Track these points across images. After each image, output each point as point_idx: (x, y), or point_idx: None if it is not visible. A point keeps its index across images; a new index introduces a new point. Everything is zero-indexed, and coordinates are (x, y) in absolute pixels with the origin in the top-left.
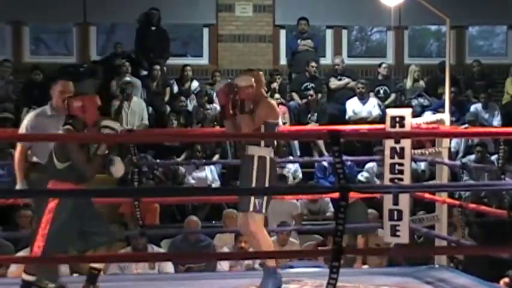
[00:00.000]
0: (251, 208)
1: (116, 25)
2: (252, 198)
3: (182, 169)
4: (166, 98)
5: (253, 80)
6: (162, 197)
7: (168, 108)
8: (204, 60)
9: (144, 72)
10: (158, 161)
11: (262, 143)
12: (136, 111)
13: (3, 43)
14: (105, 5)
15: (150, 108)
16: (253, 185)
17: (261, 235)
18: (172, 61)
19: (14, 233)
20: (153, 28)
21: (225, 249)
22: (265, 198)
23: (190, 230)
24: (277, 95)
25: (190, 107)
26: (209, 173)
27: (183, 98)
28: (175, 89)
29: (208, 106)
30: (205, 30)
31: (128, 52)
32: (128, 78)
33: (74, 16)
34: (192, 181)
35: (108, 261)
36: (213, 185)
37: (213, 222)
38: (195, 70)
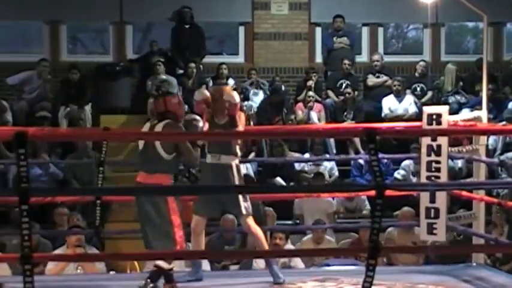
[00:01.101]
0: (244, 211)
1: (152, 23)
2: (242, 202)
3: None
4: None
5: (208, 94)
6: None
7: None
8: (239, 59)
9: (180, 71)
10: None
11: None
12: None
13: (40, 42)
14: (142, 4)
15: (186, 106)
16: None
17: (260, 233)
18: (208, 59)
19: (51, 231)
20: (187, 26)
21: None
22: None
23: (226, 228)
24: (311, 93)
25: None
26: (245, 171)
27: None
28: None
29: (243, 104)
30: (241, 29)
31: (163, 50)
32: (163, 77)
33: (111, 15)
34: None
35: (147, 259)
36: None
37: None
38: (231, 68)
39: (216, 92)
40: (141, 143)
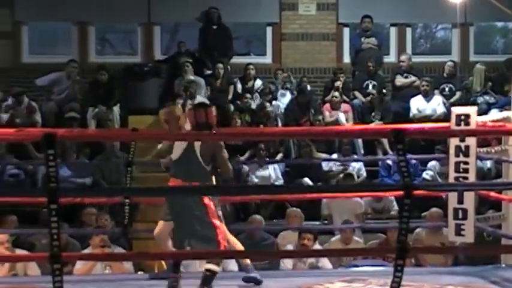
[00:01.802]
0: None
1: (179, 24)
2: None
3: (246, 167)
4: (230, 97)
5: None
6: (226, 196)
7: (232, 107)
8: (267, 59)
9: (208, 71)
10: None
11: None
12: None
13: (69, 43)
14: (170, 5)
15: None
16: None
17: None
18: (235, 60)
19: (80, 231)
20: (214, 27)
21: (289, 248)
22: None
23: (253, 228)
24: (336, 93)
25: (253, 106)
26: (272, 172)
27: (246, 96)
28: (239, 87)
29: (271, 104)
30: (269, 29)
31: (191, 51)
32: (191, 77)
33: (139, 16)
34: (256, 180)
35: (175, 258)
36: (277, 183)
37: (277, 220)
38: (258, 69)
39: (167, 114)
40: (178, 151)
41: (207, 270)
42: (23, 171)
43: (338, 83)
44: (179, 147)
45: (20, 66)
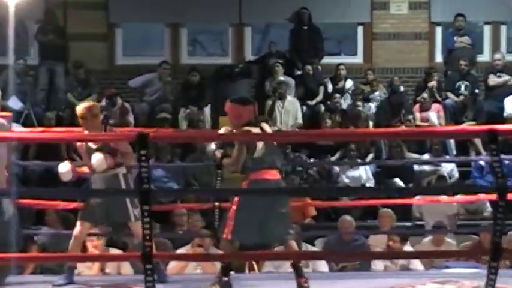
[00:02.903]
0: (132, 218)
1: (270, 25)
2: (131, 208)
3: (336, 168)
4: (320, 97)
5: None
6: (317, 196)
7: (322, 107)
8: (358, 59)
9: (298, 72)
10: (312, 160)
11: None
12: (290, 111)
13: (161, 45)
14: (260, 5)
15: (304, 108)
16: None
17: None
18: (326, 60)
19: (172, 232)
20: (305, 27)
21: (379, 249)
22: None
23: (344, 229)
24: (425, 94)
25: (344, 106)
26: (363, 172)
27: (337, 97)
28: (330, 88)
29: (362, 105)
30: (360, 29)
31: (282, 52)
32: (281, 78)
33: (230, 17)
34: (346, 180)
35: (261, 259)
36: (367, 184)
37: (367, 221)
38: (349, 69)
39: (84, 110)
40: (259, 145)
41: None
42: None
43: (432, 83)
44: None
45: (114, 67)
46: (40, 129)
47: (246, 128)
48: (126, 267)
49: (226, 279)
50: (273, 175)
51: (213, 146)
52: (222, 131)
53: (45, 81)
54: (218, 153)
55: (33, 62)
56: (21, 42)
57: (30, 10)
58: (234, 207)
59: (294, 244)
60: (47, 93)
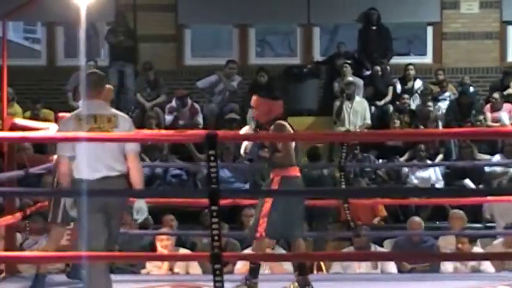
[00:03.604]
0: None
1: (339, 25)
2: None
3: (405, 169)
4: (389, 98)
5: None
6: (385, 198)
7: (391, 108)
8: (427, 59)
9: (367, 72)
10: (381, 161)
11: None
12: (358, 111)
13: (230, 46)
14: (329, 6)
15: (373, 108)
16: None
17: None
18: (395, 60)
19: (240, 232)
20: (374, 28)
21: (449, 250)
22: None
23: (413, 230)
24: (495, 95)
25: (413, 106)
26: (433, 173)
27: (406, 97)
28: (399, 88)
29: (433, 105)
30: (429, 29)
31: (350, 52)
32: (350, 78)
33: (298, 17)
34: (415, 181)
35: (332, 259)
36: (437, 185)
37: (437, 222)
38: (418, 69)
39: None
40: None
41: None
42: (185, 172)
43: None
44: None
45: (183, 68)
46: None
47: (280, 122)
48: (195, 267)
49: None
50: (298, 172)
51: (244, 146)
52: (243, 130)
53: (115, 82)
54: (264, 153)
55: (104, 63)
56: (91, 44)
57: (101, 12)
58: (268, 205)
59: (302, 242)
60: (117, 94)
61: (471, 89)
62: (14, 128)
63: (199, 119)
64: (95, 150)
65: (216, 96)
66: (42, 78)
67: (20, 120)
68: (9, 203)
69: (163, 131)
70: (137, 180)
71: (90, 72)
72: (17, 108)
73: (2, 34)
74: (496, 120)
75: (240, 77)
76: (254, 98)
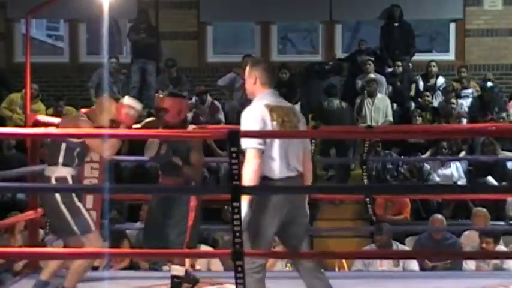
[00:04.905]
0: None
1: (360, 22)
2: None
3: (427, 166)
4: (412, 94)
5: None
6: (407, 195)
7: (413, 105)
8: (450, 56)
9: (389, 69)
10: (403, 157)
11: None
12: (380, 108)
13: (252, 43)
14: (351, 3)
15: (395, 105)
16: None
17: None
18: (417, 57)
19: None
20: (396, 24)
21: (471, 248)
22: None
23: (435, 227)
24: None
25: (435, 103)
26: (455, 170)
27: (428, 94)
28: (421, 85)
29: (456, 102)
30: (452, 25)
31: (372, 49)
32: (372, 75)
33: (320, 14)
34: (437, 178)
35: (353, 257)
36: (459, 183)
37: (459, 220)
38: (441, 66)
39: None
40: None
41: None
42: (207, 169)
43: None
44: None
45: (205, 65)
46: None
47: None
48: (216, 264)
49: None
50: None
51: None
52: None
53: (137, 79)
54: (177, 160)
55: (126, 60)
56: (114, 41)
57: (123, 9)
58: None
59: None
60: (139, 91)
61: (493, 85)
62: (37, 124)
63: (221, 116)
64: (290, 146)
65: (236, 92)
66: (64, 75)
67: (42, 117)
68: (32, 199)
69: None
70: (309, 178)
71: (264, 60)
72: (40, 105)
73: (26, 32)
74: None
75: None
76: (166, 99)
